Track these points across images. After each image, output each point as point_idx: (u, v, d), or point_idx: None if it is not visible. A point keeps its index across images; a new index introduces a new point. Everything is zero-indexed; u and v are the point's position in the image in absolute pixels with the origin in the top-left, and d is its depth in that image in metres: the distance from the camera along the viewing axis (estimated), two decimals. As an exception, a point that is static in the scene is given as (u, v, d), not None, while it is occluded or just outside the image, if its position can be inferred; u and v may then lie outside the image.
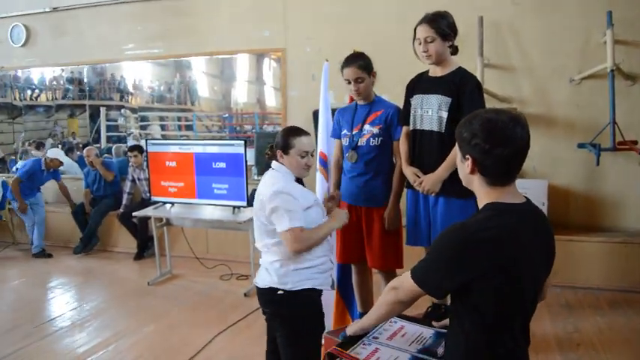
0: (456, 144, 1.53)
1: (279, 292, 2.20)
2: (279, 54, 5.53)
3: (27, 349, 3.55)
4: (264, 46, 5.56)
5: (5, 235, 6.58)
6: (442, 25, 2.65)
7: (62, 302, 4.54)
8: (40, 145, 6.81)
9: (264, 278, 2.26)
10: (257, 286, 2.30)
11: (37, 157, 6.25)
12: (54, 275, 5.31)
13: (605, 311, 3.86)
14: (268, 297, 2.25)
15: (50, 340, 3.72)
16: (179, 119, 6.32)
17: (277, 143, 2.29)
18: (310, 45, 5.33)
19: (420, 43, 2.70)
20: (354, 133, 2.97)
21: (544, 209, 4.38)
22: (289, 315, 2.21)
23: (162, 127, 6.42)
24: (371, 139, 2.92)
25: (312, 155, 2.31)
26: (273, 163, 2.32)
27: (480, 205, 1.50)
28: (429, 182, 2.69)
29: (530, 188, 4.43)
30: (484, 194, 1.49)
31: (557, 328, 3.57)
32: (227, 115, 6.04)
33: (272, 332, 2.33)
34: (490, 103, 4.45)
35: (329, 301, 3.29)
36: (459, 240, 1.42)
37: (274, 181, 2.23)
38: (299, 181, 2.32)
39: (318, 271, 2.24)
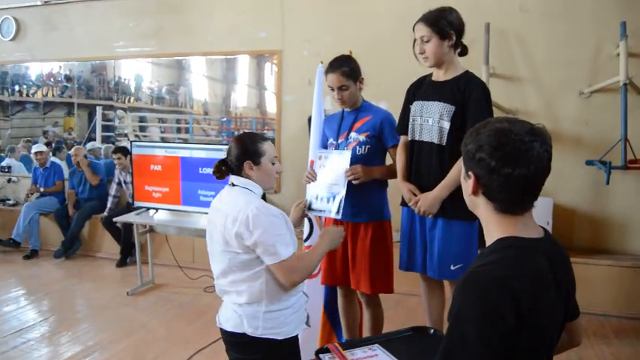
0: (461, 158, 1.28)
1: (247, 336, 1.89)
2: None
3: (-12, 363, 3.31)
4: (261, 48, 5.33)
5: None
6: (440, 23, 2.36)
7: (34, 311, 4.29)
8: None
9: (230, 319, 1.94)
10: (220, 327, 1.98)
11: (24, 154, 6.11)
12: (30, 280, 5.06)
13: (611, 340, 3.63)
14: (233, 340, 1.94)
15: (13, 354, 3.45)
16: (178, 122, 6.08)
17: (241, 154, 1.96)
18: (308, 48, 5.09)
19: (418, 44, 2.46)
20: (339, 142, 2.72)
21: (549, 228, 4.14)
22: None
23: (162, 130, 6.19)
24: (357, 147, 2.66)
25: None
26: (235, 179, 1.99)
27: (489, 238, 1.24)
28: (426, 202, 2.39)
29: (535, 206, 4.18)
30: (494, 224, 1.23)
31: (560, 358, 3.31)
32: (225, 119, 5.81)
33: None
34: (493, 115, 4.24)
35: (316, 322, 3.07)
36: (487, 296, 1.09)
37: (248, 199, 1.90)
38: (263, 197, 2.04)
39: (292, 312, 1.95)
